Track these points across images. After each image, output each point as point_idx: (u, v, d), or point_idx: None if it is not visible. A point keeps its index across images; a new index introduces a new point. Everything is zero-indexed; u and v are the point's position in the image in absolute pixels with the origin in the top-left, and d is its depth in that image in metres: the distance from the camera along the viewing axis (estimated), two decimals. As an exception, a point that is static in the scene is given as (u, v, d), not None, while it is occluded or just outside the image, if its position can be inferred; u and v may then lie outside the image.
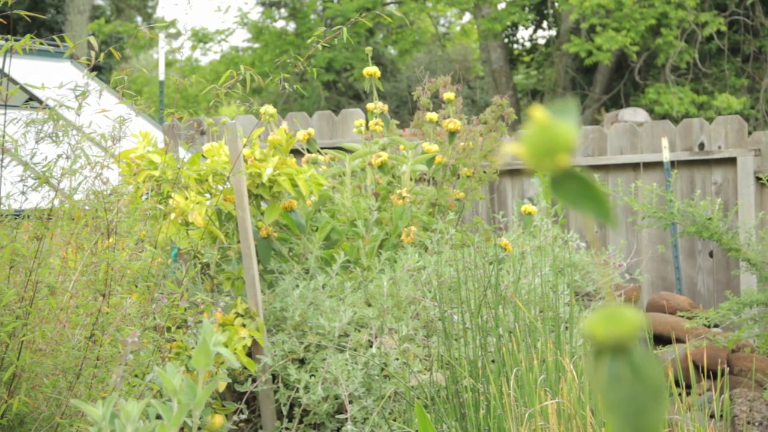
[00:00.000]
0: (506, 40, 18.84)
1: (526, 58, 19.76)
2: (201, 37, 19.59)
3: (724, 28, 15.52)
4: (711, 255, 7.46)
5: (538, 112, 0.79)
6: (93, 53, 2.81)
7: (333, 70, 18.42)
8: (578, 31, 16.58)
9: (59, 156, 2.96)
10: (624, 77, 17.06)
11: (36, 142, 2.89)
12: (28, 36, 2.83)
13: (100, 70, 15.36)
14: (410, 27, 19.26)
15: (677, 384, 5.11)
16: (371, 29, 19.03)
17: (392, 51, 20.19)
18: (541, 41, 19.75)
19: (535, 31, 19.47)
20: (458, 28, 22.71)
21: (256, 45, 19.33)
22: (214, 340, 2.01)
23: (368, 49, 5.73)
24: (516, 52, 19.64)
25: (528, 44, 19.84)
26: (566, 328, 4.05)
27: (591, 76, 17.53)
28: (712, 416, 4.85)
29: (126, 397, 3.14)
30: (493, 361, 3.82)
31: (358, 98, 20.07)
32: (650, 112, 15.69)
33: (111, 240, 3.30)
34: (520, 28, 19.21)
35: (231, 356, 2.02)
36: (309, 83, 18.61)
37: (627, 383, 0.79)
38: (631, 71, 16.85)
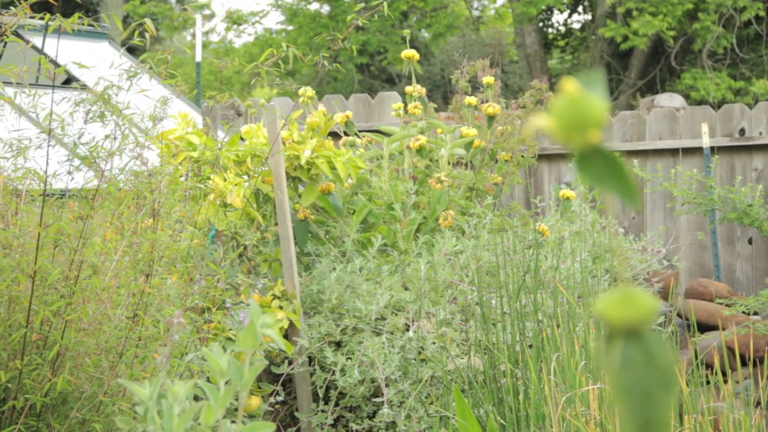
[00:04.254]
0: (541, 25, 18.74)
1: (561, 43, 19.66)
2: (235, 19, 19.60)
3: (762, 13, 15.37)
4: (750, 242, 7.40)
5: (568, 85, 0.78)
6: (148, 35, 2.81)
7: (367, 53, 18.38)
8: (614, 16, 16.46)
9: (107, 136, 2.97)
10: (660, 62, 16.94)
11: (84, 122, 2.90)
12: (76, 15, 2.83)
13: (133, 51, 15.41)
14: (444, 10, 19.20)
15: (718, 371, 5.07)
16: (405, 12, 18.97)
17: (425, 34, 20.12)
18: (576, 26, 19.64)
19: (570, 15, 19.36)
20: (492, 12, 22.61)
21: (290, 27, 19.33)
22: (261, 321, 2.01)
23: (406, 32, 5.71)
24: (551, 37, 19.54)
25: (563, 29, 19.73)
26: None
27: (626, 61, 17.42)
28: (751, 404, 4.81)
29: (166, 377, 3.15)
30: (530, 346, 3.81)
31: (392, 81, 20.03)
32: (686, 97, 15.57)
33: (150, 221, 3.31)
34: (555, 12, 19.10)
35: (278, 338, 2.02)
36: (343, 66, 18.59)
37: (638, 368, 0.77)
38: (667, 56, 16.73)
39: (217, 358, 2.03)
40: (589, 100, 0.76)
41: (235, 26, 19.88)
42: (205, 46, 19.86)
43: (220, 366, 2.02)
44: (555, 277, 4.01)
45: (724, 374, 5.29)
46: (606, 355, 0.77)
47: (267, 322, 2.01)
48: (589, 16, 18.80)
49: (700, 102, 15.39)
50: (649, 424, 0.76)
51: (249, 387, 2.05)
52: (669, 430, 0.79)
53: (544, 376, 3.35)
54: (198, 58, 8.32)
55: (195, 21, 20.03)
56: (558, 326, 3.60)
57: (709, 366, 5.19)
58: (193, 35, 23.25)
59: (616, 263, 5.00)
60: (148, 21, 2.90)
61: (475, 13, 22.66)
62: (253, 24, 19.92)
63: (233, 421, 2.33)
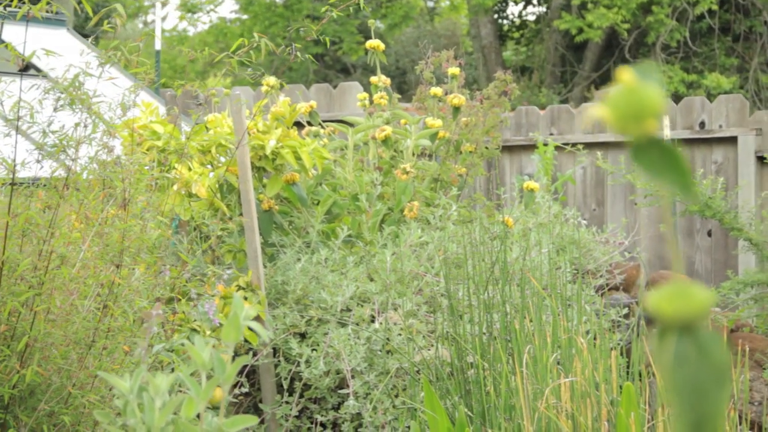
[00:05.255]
0: (496, 16, 18.77)
1: (516, 35, 19.70)
2: (190, 7, 19.45)
3: (715, 7, 15.50)
4: (709, 234, 7.47)
5: (625, 74, 0.76)
6: (119, 21, 2.76)
7: (322, 43, 18.32)
8: (569, 8, 16.53)
9: (77, 124, 2.92)
10: (614, 55, 17.03)
11: (54, 110, 2.85)
12: (44, 1, 2.77)
13: (87, 38, 15.22)
14: (400, 1, 19.17)
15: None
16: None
17: (380, 25, 20.08)
18: (531, 17, 19.69)
19: (525, 6, 19.41)
20: (447, 3, 22.61)
21: (245, 17, 19.21)
22: (244, 314, 1.98)
23: (371, 22, 5.70)
24: (506, 28, 19.58)
25: (518, 20, 19.78)
26: (569, 305, 4.03)
27: (581, 54, 17.49)
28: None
29: (133, 369, 3.11)
30: (495, 337, 3.80)
31: (347, 71, 19.97)
32: (640, 90, 15.65)
33: (114, 210, 3.26)
34: (510, 3, 19.14)
35: (262, 331, 1.99)
36: (298, 57, 18.47)
37: (692, 364, 0.76)
38: (621, 49, 16.82)
39: (199, 350, 2.00)
40: (645, 90, 0.74)
41: (190, 14, 19.72)
42: (151, 34, 19.66)
43: (203, 359, 1.99)
44: (523, 268, 4.01)
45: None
46: (659, 351, 0.75)
47: (250, 314, 1.99)
48: (543, 8, 18.86)
49: (654, 95, 15.47)
50: (703, 420, 0.74)
51: (231, 381, 2.02)
52: (723, 427, 0.76)
53: (516, 368, 3.35)
54: (157, 47, 8.24)
55: (148, 9, 19.84)
56: (530, 318, 3.60)
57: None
58: (145, 23, 23.04)
59: (579, 255, 5.01)
60: (119, 7, 2.85)
61: (430, 4, 22.66)
62: (208, 12, 19.78)
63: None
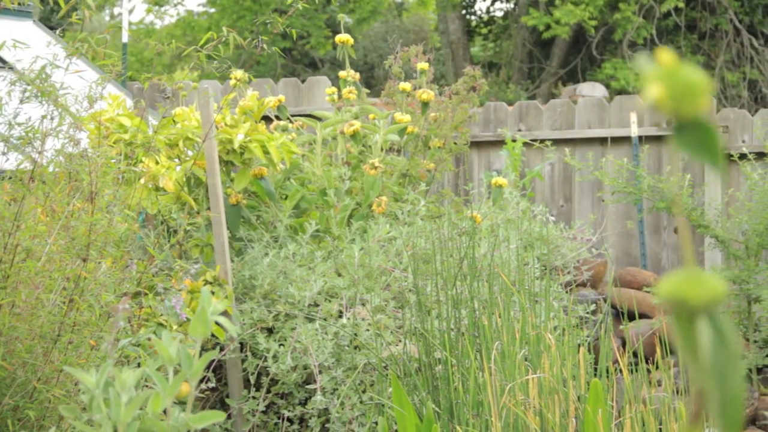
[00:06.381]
0: (464, 12, 18.78)
1: (484, 30, 19.71)
2: (157, 0, 19.33)
3: (681, 5, 15.58)
4: (676, 231, 7.50)
5: (666, 56, 0.76)
6: (88, 12, 2.74)
7: (289, 37, 18.26)
8: (537, 4, 16.56)
9: (44, 116, 2.89)
10: (581, 52, 17.09)
11: (20, 102, 2.82)
12: (13, -9, 2.74)
13: (54, 30, 15.08)
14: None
15: (647, 360, 5.13)
16: (328, -4, 18.87)
17: (348, 20, 20.03)
18: (499, 13, 19.72)
19: (493, 2, 19.43)
20: (415, -2, 22.58)
21: (212, 10, 19.12)
22: (212, 309, 1.96)
23: (341, 16, 5.68)
24: (473, 24, 19.59)
25: (485, 16, 19.79)
26: (537, 302, 4.04)
27: (548, 50, 17.53)
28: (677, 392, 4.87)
29: (99, 363, 3.08)
30: (463, 333, 3.80)
31: (314, 66, 19.92)
32: (607, 87, 15.73)
33: (80, 204, 3.23)
34: (478, -1, 19.13)
35: (230, 326, 1.97)
36: (265, 50, 18.39)
37: (711, 349, 0.75)
38: (588, 46, 16.88)
39: (166, 345, 1.98)
40: (688, 69, 0.74)
41: (157, 7, 19.60)
42: (119, 26, 19.52)
43: (170, 354, 1.97)
44: (491, 264, 4.01)
45: (652, 362, 5.35)
46: (683, 337, 0.75)
47: (218, 309, 1.97)
48: (511, 5, 18.89)
49: (620, 91, 15.57)
50: (728, 403, 0.74)
51: (199, 376, 2.00)
52: (742, 410, 0.76)
53: (484, 364, 3.34)
54: (124, 39, 8.19)
55: (115, 1, 19.71)
56: (499, 314, 3.59)
57: (636, 354, 5.24)
58: (112, 16, 22.88)
59: (546, 251, 5.02)
60: (88, -1, 2.82)
61: (398, -1, 22.62)
62: (175, 5, 19.67)
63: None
